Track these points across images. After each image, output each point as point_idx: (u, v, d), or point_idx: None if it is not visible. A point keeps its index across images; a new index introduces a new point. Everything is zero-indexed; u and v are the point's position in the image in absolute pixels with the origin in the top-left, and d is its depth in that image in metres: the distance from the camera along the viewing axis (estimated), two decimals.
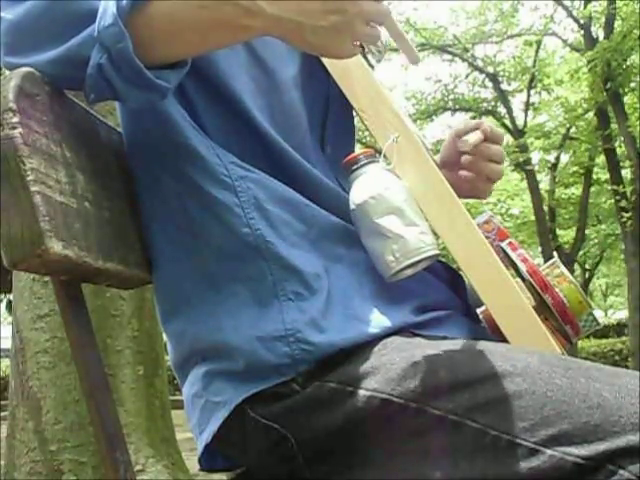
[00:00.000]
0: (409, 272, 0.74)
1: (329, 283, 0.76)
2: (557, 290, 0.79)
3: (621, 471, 0.58)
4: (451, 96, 14.47)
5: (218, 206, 0.77)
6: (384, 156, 0.79)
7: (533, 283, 0.78)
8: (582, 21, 11.80)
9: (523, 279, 0.80)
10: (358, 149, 0.83)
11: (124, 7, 0.67)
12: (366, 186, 0.75)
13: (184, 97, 0.81)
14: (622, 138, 11.08)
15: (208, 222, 0.78)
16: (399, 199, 0.74)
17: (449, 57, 14.44)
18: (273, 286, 0.75)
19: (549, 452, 0.60)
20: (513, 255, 0.81)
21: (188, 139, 0.79)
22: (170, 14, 0.69)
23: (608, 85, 10.57)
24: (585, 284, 15.89)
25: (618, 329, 18.18)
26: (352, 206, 0.76)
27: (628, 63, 10.72)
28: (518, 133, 12.99)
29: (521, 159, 12.39)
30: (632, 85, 11.17)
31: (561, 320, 0.79)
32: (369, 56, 0.86)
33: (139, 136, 0.84)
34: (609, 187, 12.09)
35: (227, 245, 0.77)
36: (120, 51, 0.67)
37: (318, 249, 0.78)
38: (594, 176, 13.71)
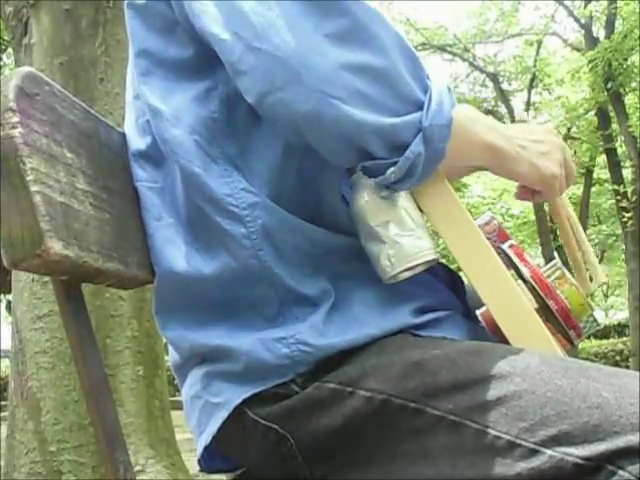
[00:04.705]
0: (407, 275, 0.74)
1: (334, 295, 0.76)
2: (559, 292, 0.79)
3: (621, 471, 0.58)
4: None
5: (226, 237, 0.76)
6: None
7: (537, 288, 0.78)
8: (583, 21, 11.81)
9: (525, 281, 0.80)
10: None
11: (451, 111, 0.71)
12: (366, 189, 0.75)
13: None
14: (623, 138, 11.08)
15: (215, 251, 0.77)
16: (397, 203, 0.74)
17: (449, 57, 14.45)
18: (279, 308, 0.75)
19: (549, 452, 0.60)
20: (515, 258, 0.80)
21: (197, 167, 0.77)
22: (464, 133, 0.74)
23: (609, 85, 10.58)
24: None
25: (619, 329, 18.20)
26: (353, 209, 0.76)
27: (629, 63, 10.72)
28: None
29: None
30: (633, 85, 11.17)
31: (565, 325, 0.78)
32: None
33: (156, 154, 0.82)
34: (610, 187, 12.09)
35: (233, 273, 0.76)
36: (439, 150, 0.71)
37: (325, 265, 0.77)
38: (595, 176, 13.71)
